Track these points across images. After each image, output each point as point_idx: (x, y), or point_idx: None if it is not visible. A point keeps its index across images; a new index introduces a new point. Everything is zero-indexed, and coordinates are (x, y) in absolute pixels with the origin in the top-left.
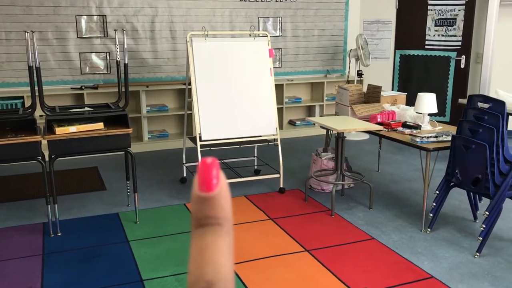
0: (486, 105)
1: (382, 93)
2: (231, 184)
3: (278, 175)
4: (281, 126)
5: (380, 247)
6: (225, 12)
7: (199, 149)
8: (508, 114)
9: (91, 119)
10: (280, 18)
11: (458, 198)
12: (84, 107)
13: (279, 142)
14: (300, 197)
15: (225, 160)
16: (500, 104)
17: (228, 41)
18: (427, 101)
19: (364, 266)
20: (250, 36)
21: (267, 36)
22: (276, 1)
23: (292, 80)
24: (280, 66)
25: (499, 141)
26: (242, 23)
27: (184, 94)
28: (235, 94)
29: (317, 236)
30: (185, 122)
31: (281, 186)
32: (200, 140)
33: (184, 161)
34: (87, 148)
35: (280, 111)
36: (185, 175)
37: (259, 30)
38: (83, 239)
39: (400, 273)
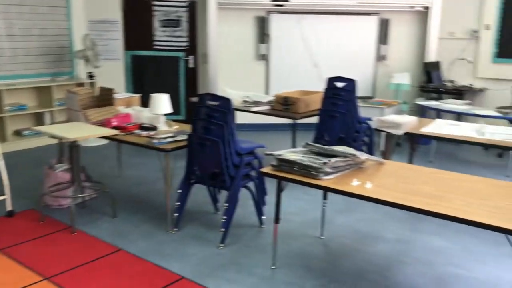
0: (215, 103)
1: (115, 95)
2: None
3: (4, 197)
4: (4, 138)
5: (128, 258)
6: None
7: None
8: (236, 109)
9: None
10: None
11: (200, 193)
12: None
13: (1, 157)
14: (34, 218)
15: None
16: (227, 101)
17: None
18: (161, 102)
19: (113, 282)
20: None
21: None
22: None
23: (14, 85)
24: None
25: (230, 136)
26: None
27: None
28: None
29: (57, 259)
30: None
31: (9, 208)
32: None
33: None
34: None
35: (0, 120)
36: None
37: None
38: None
39: (150, 281)
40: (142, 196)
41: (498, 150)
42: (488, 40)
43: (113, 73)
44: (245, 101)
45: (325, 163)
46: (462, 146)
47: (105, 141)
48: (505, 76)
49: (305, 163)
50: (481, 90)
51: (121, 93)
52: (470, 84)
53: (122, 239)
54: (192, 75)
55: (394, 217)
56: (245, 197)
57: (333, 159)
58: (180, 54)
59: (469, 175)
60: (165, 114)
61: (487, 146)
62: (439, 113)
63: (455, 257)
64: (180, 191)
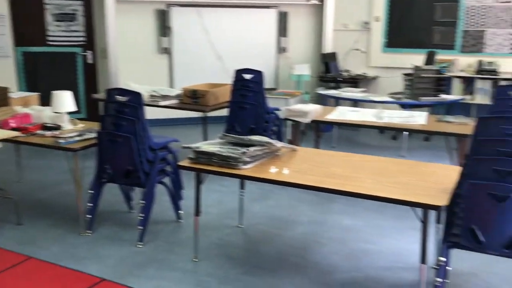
0: (124, 98)
1: (10, 94)
2: None
3: None
4: None
5: (40, 265)
6: None
7: None
8: (148, 105)
9: None
10: None
11: (112, 193)
12: None
13: None
14: None
15: None
16: (137, 95)
17: None
18: (64, 99)
19: None
20: None
21: None
22: None
23: None
24: None
25: (142, 131)
26: None
27: None
28: None
29: None
30: None
31: None
32: None
33: None
34: None
35: None
36: None
37: None
38: None
39: (68, 286)
40: (49, 200)
41: (393, 132)
42: (378, 31)
43: (3, 71)
44: (152, 96)
45: (244, 153)
46: (360, 130)
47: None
48: (395, 64)
49: (224, 154)
50: (374, 78)
51: (16, 92)
52: (364, 73)
53: (31, 246)
54: (91, 71)
55: (306, 201)
56: (160, 193)
57: (251, 148)
58: (77, 49)
59: (375, 156)
60: (68, 113)
61: (382, 130)
62: (338, 101)
63: (364, 233)
64: (91, 191)
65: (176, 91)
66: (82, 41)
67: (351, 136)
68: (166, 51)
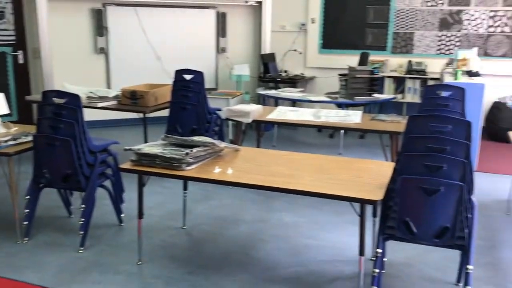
0: (62, 100)
1: None
2: None
3: None
4: None
5: None
6: None
7: None
8: (85, 106)
9: None
10: None
11: (50, 198)
12: None
13: None
14: None
15: None
16: (75, 97)
17: None
18: None
19: None
20: None
21: None
22: None
23: None
24: None
25: (81, 134)
26: None
27: None
28: None
29: None
30: None
31: None
32: None
33: None
34: None
35: None
36: None
37: None
38: None
39: None
40: None
41: (330, 131)
42: (315, 32)
43: None
44: (89, 97)
45: (187, 154)
46: (300, 129)
47: None
48: (330, 65)
49: (167, 156)
50: (312, 78)
51: None
52: (302, 73)
53: None
54: (23, 72)
55: (249, 200)
56: (101, 197)
57: (194, 149)
58: (7, 49)
59: (314, 155)
60: (0, 116)
61: (320, 128)
62: (278, 101)
63: (305, 228)
64: (28, 197)
65: (114, 92)
66: (12, 40)
67: (291, 135)
68: (103, 51)
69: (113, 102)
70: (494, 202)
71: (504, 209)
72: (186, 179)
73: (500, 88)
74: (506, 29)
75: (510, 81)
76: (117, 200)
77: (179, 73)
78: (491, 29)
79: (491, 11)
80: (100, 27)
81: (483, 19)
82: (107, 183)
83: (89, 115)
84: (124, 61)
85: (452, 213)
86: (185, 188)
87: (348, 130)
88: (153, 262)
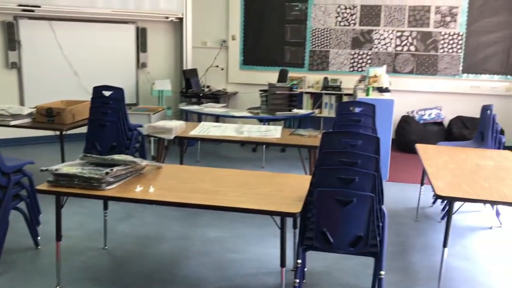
0: None
1: None
2: None
3: None
4: None
5: None
6: None
7: None
8: None
9: None
10: None
11: None
12: None
13: None
14: None
15: None
16: None
17: None
18: None
19: None
20: None
21: None
22: None
23: None
24: None
25: None
26: None
27: None
28: None
29: None
30: None
31: None
32: None
33: None
34: None
35: None
36: None
37: None
38: None
39: None
40: None
41: (253, 145)
42: (236, 49)
43: None
44: (0, 115)
45: (107, 173)
46: (223, 144)
47: None
48: (252, 81)
49: (86, 175)
50: (234, 94)
51: None
52: (224, 89)
53: None
54: None
55: (173, 217)
56: (15, 219)
57: (115, 168)
58: None
59: (238, 170)
60: None
61: (243, 143)
62: (201, 116)
63: (230, 243)
64: None
65: (28, 109)
66: None
67: (214, 150)
68: (15, 66)
69: (27, 120)
70: (404, 210)
71: (413, 216)
72: (106, 199)
73: (408, 103)
74: (412, 48)
75: (417, 96)
76: (32, 222)
77: (98, 89)
78: (399, 48)
79: (398, 31)
80: (12, 40)
81: (391, 39)
82: (22, 205)
83: (1, 133)
84: (39, 76)
85: (364, 223)
86: (105, 207)
87: (269, 144)
88: (74, 285)
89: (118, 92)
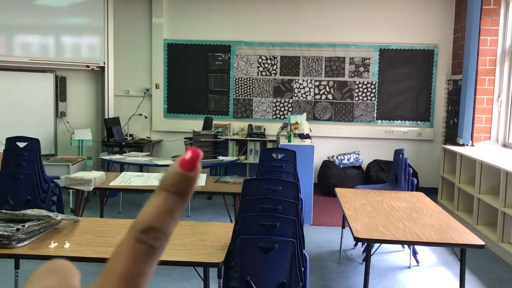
0: None
1: None
2: None
3: None
4: None
5: None
6: None
7: None
8: None
9: None
10: None
11: None
12: None
13: None
14: None
15: None
16: None
17: None
18: None
19: None
20: None
21: None
22: None
23: None
24: None
25: None
26: None
27: None
28: None
29: None
30: None
31: None
32: None
33: None
34: None
35: None
36: None
37: None
38: None
39: None
40: None
41: None
42: (159, 97)
43: None
44: None
45: (18, 229)
46: (146, 194)
47: None
48: (176, 128)
49: None
50: (159, 142)
51: None
52: (148, 137)
53: None
54: None
55: (90, 273)
56: None
57: (27, 224)
58: None
59: None
60: None
61: None
62: (123, 165)
63: None
64: None
65: None
66: None
67: (137, 200)
68: None
69: None
70: (328, 253)
71: (337, 258)
72: (17, 257)
73: (329, 148)
74: (330, 96)
75: (336, 141)
76: None
77: (11, 140)
78: (317, 96)
79: (316, 80)
80: None
81: (310, 88)
82: None
83: None
84: None
85: (287, 268)
86: (17, 266)
87: (194, 193)
88: None
89: (33, 142)
